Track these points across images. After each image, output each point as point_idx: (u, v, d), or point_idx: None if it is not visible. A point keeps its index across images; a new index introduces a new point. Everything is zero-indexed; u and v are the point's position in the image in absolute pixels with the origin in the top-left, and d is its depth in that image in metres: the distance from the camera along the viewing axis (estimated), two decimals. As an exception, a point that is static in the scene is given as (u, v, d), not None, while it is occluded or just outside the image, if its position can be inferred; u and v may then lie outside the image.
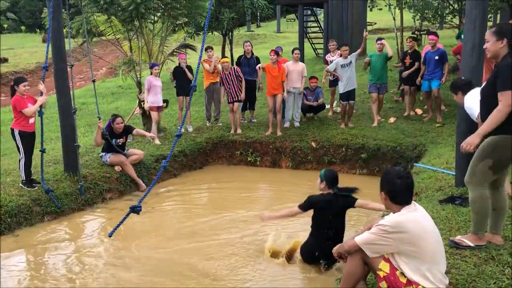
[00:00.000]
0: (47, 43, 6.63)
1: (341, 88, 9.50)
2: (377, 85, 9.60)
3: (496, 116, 3.40)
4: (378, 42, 9.57)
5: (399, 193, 3.02)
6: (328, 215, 4.57)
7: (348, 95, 9.47)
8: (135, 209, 4.21)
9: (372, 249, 3.02)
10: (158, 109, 9.47)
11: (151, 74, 9.41)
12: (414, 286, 2.95)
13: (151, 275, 4.84)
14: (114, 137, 7.81)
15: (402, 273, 2.98)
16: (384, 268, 3.02)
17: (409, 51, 10.00)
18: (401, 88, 10.99)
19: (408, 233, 2.91)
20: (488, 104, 3.56)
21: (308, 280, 4.62)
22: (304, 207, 4.73)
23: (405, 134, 8.80)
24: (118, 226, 4.43)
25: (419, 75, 9.57)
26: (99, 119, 7.52)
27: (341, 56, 9.55)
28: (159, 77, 9.56)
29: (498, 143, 3.48)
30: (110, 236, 4.48)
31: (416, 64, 9.65)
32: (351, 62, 9.42)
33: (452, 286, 3.20)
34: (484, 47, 3.70)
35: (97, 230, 6.30)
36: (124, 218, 4.38)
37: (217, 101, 10.44)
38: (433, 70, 9.22)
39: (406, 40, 10.49)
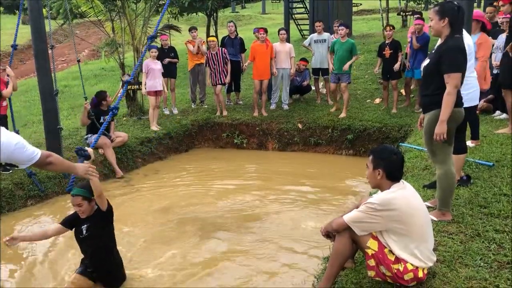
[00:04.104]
0: (17, 21, 6.43)
1: (313, 63, 9.85)
2: (338, 75, 8.89)
3: (449, 100, 3.59)
4: (341, 27, 8.86)
5: (395, 169, 3.04)
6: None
7: (320, 72, 9.85)
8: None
9: (360, 227, 3.01)
10: (156, 93, 8.99)
11: (150, 57, 9.11)
12: (402, 263, 2.95)
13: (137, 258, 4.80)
14: (102, 114, 7.68)
15: (391, 251, 2.98)
16: (372, 246, 3.01)
17: (387, 42, 8.98)
18: (379, 81, 10.22)
19: (396, 211, 2.91)
20: (429, 82, 3.79)
21: (296, 260, 4.63)
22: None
23: (391, 115, 8.83)
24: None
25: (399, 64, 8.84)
26: (86, 100, 7.36)
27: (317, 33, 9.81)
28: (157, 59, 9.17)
29: (436, 118, 3.67)
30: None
31: (400, 55, 8.81)
32: (325, 40, 9.63)
33: (440, 263, 3.22)
34: (428, 25, 3.86)
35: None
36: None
37: (202, 83, 10.31)
38: (416, 56, 8.64)
39: (385, 28, 9.31)
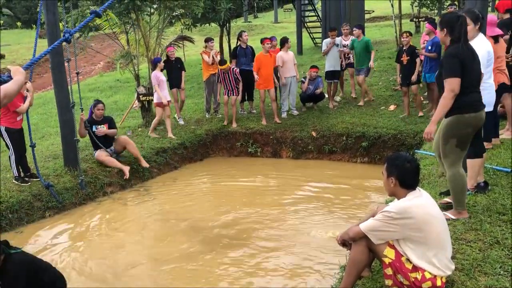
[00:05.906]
0: (35, 36, 6.51)
1: (327, 66, 10.20)
2: (358, 69, 9.99)
3: (443, 103, 3.76)
4: (354, 29, 9.91)
5: (409, 177, 3.03)
6: None
7: (333, 75, 10.14)
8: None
9: (377, 235, 2.99)
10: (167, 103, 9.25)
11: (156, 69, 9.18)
12: (420, 272, 2.92)
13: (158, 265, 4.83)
14: (95, 124, 7.70)
15: (408, 259, 2.96)
16: (389, 254, 2.99)
17: (404, 48, 8.95)
18: (396, 88, 10.47)
19: (413, 219, 2.89)
20: (444, 90, 3.88)
21: (312, 269, 4.61)
22: None
23: (406, 121, 8.76)
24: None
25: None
26: (82, 111, 7.42)
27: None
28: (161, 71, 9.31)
29: (453, 123, 3.82)
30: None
31: (417, 61, 8.76)
32: (338, 45, 10.12)
33: (458, 271, 3.18)
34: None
35: (99, 223, 6.28)
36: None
37: (216, 93, 10.36)
38: (428, 62, 8.63)
39: (402, 35, 9.49)
